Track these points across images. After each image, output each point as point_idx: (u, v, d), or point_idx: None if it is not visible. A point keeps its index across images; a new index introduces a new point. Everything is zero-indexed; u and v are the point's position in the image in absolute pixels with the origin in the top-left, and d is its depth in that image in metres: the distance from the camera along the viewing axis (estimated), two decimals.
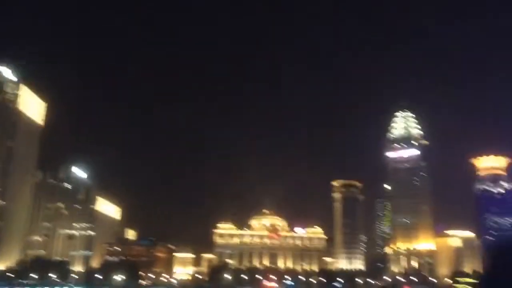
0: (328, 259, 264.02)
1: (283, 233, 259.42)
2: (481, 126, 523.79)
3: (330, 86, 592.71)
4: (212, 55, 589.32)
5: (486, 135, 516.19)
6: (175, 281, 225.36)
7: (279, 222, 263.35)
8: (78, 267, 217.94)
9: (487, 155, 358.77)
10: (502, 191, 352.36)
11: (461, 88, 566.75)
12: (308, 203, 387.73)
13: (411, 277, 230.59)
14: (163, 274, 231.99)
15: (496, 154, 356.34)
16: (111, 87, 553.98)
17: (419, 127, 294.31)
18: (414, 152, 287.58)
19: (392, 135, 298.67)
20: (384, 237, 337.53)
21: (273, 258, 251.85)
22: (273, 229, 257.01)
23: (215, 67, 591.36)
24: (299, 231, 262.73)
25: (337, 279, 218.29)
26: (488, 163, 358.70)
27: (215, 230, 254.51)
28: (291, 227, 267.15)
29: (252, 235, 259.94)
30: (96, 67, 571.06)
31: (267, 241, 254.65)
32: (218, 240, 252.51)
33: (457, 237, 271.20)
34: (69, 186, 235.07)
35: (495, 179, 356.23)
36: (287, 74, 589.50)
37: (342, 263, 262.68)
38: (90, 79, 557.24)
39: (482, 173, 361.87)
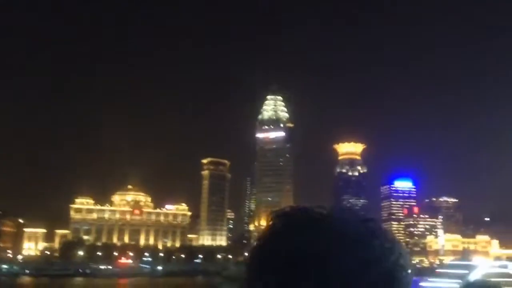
0: (192, 236, 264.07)
1: (147, 210, 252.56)
2: (345, 112, 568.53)
3: (209, 63, 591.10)
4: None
5: (348, 121, 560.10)
6: (20, 257, 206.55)
7: (143, 198, 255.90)
8: None
9: (349, 141, 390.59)
10: (357, 174, 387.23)
11: (329, 77, 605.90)
12: (177, 180, 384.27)
13: None
14: (8, 250, 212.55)
15: (354, 141, 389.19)
16: None
17: (286, 110, 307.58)
18: (280, 134, 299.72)
19: (262, 117, 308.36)
20: (251, 215, 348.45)
21: (134, 235, 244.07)
22: (136, 205, 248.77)
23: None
24: (168, 207, 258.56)
25: (199, 255, 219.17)
26: (346, 149, 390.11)
27: (72, 205, 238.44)
28: (157, 203, 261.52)
29: (113, 211, 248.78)
30: None
31: (128, 217, 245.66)
32: (75, 216, 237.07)
33: None
34: None
35: (352, 163, 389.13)
36: (160, 46, 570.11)
37: (206, 240, 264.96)
38: None
39: (342, 158, 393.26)
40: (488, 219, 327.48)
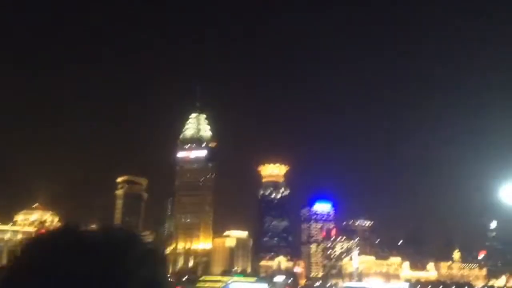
0: None
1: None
2: (269, 132, 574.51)
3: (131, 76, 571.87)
4: None
5: (272, 142, 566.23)
6: None
7: (50, 218, 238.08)
8: None
9: (274, 163, 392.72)
10: (279, 196, 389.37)
11: (254, 95, 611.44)
12: (91, 199, 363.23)
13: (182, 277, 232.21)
14: None
15: (279, 163, 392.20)
16: None
17: (209, 128, 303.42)
18: (202, 153, 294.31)
19: (184, 136, 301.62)
20: (171, 236, 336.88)
21: None
22: (41, 225, 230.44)
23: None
24: None
25: None
26: (270, 171, 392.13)
27: None
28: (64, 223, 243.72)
29: (15, 231, 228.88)
30: None
31: None
32: None
33: (232, 237, 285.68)
34: None
35: (275, 185, 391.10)
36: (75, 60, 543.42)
37: None
38: None
39: (265, 180, 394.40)
40: (401, 241, 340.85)
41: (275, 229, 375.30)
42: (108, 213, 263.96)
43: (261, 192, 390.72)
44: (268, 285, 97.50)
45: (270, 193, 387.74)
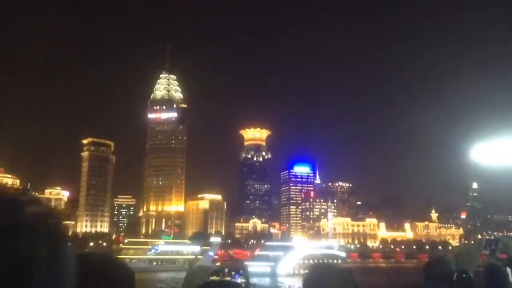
0: (68, 223, 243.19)
1: None
2: (248, 96, 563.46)
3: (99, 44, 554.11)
4: None
5: (254, 107, 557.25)
6: None
7: (10, 181, 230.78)
8: None
9: (255, 127, 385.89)
10: (261, 159, 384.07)
11: (231, 56, 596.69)
12: (55, 162, 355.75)
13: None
14: None
15: (260, 127, 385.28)
16: None
17: (180, 89, 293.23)
18: (173, 114, 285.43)
19: (154, 97, 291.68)
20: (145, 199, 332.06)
21: None
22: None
23: None
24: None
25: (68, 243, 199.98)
26: (252, 134, 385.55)
27: None
28: (27, 187, 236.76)
29: None
30: None
31: None
32: None
33: (206, 199, 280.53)
34: None
35: (257, 149, 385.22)
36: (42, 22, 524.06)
37: (85, 227, 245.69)
38: None
39: (247, 143, 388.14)
40: (379, 203, 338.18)
41: (257, 192, 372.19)
42: (74, 176, 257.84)
43: (243, 155, 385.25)
44: (201, 246, 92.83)
45: (252, 157, 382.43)
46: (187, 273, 2.93)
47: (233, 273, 57.13)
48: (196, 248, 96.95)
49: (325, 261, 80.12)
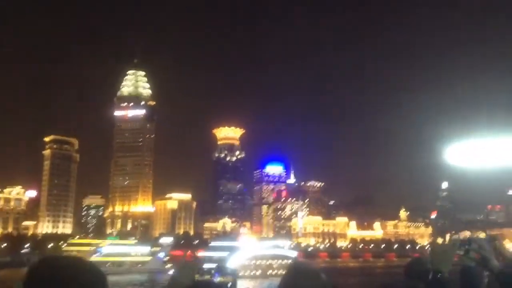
0: (29, 223, 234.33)
1: None
2: (220, 94, 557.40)
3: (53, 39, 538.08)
4: None
5: (225, 104, 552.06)
6: None
7: None
8: None
9: (228, 126, 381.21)
10: (234, 159, 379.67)
11: (203, 53, 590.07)
12: (17, 160, 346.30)
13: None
14: None
15: (234, 126, 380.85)
16: None
17: (148, 86, 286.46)
18: (141, 112, 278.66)
19: (121, 94, 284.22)
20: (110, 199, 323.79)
21: None
22: None
23: None
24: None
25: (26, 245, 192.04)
26: (225, 133, 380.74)
27: None
28: None
29: None
30: None
31: None
32: None
33: (174, 199, 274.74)
34: None
35: (230, 148, 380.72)
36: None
37: (46, 227, 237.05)
38: None
39: (220, 142, 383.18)
40: (350, 202, 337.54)
41: (230, 191, 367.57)
42: (35, 174, 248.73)
43: (216, 154, 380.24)
44: (151, 247, 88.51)
45: (225, 156, 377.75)
46: (173, 274, 2.91)
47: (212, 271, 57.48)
48: (145, 249, 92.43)
49: (275, 261, 77.16)
